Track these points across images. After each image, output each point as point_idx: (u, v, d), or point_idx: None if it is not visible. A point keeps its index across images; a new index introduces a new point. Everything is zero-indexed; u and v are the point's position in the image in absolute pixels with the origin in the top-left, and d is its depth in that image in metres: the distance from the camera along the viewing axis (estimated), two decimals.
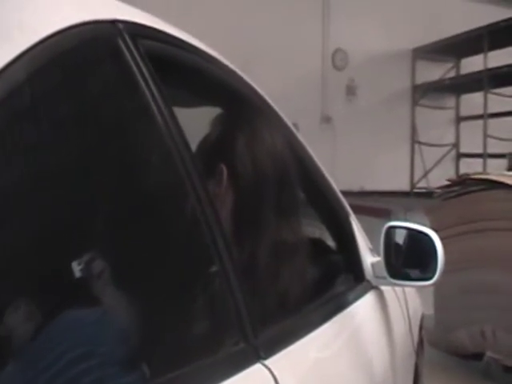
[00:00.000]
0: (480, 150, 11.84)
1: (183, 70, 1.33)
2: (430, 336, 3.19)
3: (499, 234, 4.22)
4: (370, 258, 1.92)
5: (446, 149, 13.38)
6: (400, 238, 1.76)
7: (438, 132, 13.10)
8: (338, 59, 12.85)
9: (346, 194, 1.98)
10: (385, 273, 1.77)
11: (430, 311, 4.52)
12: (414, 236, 1.74)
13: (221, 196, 1.43)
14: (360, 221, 2.04)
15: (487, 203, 4.32)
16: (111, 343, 0.89)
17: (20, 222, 0.79)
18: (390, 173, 12.45)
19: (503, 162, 10.26)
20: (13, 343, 0.76)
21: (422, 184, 13.01)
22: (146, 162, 1.06)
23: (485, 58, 11.58)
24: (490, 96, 11.63)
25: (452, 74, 13.49)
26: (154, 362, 0.93)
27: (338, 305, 1.66)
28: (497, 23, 11.03)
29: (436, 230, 1.74)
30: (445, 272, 1.68)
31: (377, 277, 1.86)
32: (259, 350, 1.12)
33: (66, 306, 0.82)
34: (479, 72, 11.74)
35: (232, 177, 1.47)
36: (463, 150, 13.26)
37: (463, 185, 4.59)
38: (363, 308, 1.83)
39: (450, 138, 13.52)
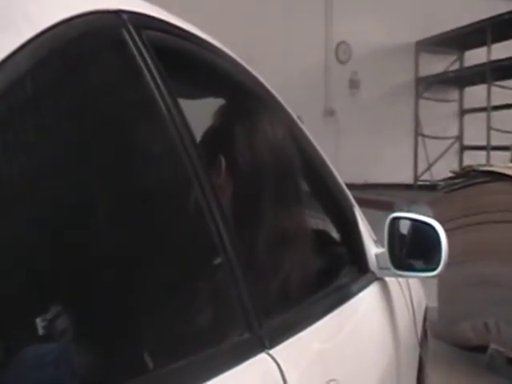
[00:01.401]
0: (483, 143, 11.83)
1: (187, 61, 1.33)
2: (433, 328, 3.19)
3: (503, 226, 4.21)
4: (374, 249, 1.92)
5: (450, 141, 13.37)
6: (404, 229, 1.76)
7: (441, 125, 13.09)
8: (341, 52, 12.85)
9: (349, 186, 1.98)
10: (389, 264, 1.77)
11: (434, 303, 4.52)
12: (418, 227, 1.74)
13: (220, 187, 1.43)
14: (363, 214, 2.04)
15: (491, 195, 4.30)
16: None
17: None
18: (393, 166, 12.46)
19: (507, 154, 10.24)
20: None
21: (425, 177, 13.01)
22: (150, 152, 1.06)
23: (488, 50, 11.56)
24: (493, 88, 11.62)
25: (455, 66, 13.47)
26: (160, 353, 0.94)
27: (342, 296, 1.66)
28: (500, 15, 11.01)
29: (440, 223, 1.73)
30: (449, 264, 1.68)
31: (381, 268, 1.86)
32: (264, 340, 1.12)
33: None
34: (482, 64, 11.72)
35: (231, 168, 1.47)
36: (467, 142, 13.25)
37: (467, 177, 4.58)
38: (367, 299, 1.83)
39: (454, 131, 13.51)
